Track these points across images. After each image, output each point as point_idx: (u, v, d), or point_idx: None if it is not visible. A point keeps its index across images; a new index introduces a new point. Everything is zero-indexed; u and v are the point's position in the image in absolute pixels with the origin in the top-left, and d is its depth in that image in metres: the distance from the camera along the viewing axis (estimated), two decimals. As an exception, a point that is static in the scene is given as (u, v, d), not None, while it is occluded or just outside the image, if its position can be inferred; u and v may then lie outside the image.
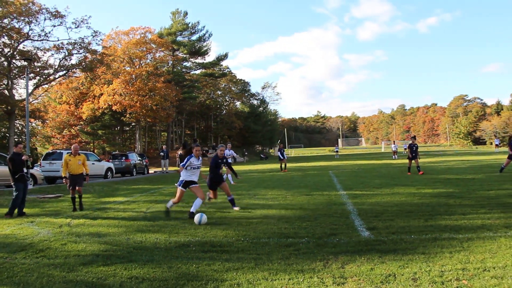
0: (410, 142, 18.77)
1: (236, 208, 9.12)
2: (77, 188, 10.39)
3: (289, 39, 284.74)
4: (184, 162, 8.27)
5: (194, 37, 55.09)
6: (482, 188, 11.39)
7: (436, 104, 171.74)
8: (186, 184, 8.34)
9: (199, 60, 57.81)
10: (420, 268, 4.45)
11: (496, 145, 61.12)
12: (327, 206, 9.26)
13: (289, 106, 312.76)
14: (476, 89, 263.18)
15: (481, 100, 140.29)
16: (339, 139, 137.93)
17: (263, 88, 71.92)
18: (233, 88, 68.77)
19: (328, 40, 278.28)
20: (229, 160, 13.24)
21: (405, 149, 55.47)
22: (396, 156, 42.14)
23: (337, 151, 61.04)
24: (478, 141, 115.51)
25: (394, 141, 51.57)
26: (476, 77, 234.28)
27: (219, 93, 68.29)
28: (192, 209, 8.16)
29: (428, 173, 17.96)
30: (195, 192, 8.31)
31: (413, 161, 18.22)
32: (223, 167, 10.10)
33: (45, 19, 30.17)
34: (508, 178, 13.98)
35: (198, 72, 59.77)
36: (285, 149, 27.42)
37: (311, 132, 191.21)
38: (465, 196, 9.95)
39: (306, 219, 7.72)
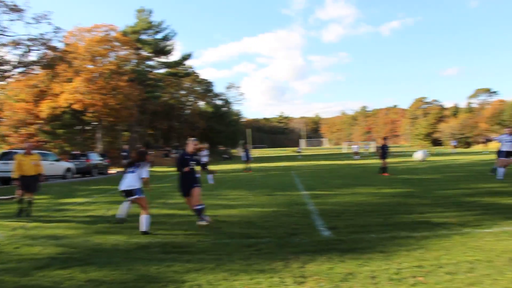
0: (381, 143, 19.05)
1: (201, 223, 7.34)
2: (28, 193, 9.51)
3: (253, 40, 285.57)
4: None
5: (158, 36, 54.33)
6: (440, 188, 11.86)
7: (397, 106, 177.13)
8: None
9: (163, 59, 57.06)
10: (379, 266, 4.60)
11: (454, 146, 63.69)
12: (288, 206, 9.38)
13: (252, 107, 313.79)
14: (435, 92, 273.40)
15: (440, 102, 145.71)
16: (302, 140, 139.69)
17: (227, 88, 71.84)
18: (197, 88, 68.35)
19: (292, 41, 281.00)
20: (204, 159, 13.13)
21: (378, 150, 56.82)
22: (358, 156, 43.12)
23: (299, 152, 61.80)
24: (437, 142, 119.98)
25: (355, 142, 52.70)
26: (435, 80, 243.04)
27: (183, 92, 67.68)
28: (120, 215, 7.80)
29: (389, 173, 18.50)
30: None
31: (382, 161, 18.30)
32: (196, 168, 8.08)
33: (1, 13, 28.89)
34: (463, 178, 14.62)
35: (162, 71, 59.02)
36: (250, 150, 27.52)
37: (275, 133, 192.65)
38: (423, 196, 10.34)
39: (268, 220, 7.80)
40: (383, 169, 18.02)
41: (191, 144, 7.67)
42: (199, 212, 7.39)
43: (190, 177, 7.47)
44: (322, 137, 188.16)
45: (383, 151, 18.26)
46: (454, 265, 4.50)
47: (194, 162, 7.54)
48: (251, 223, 7.47)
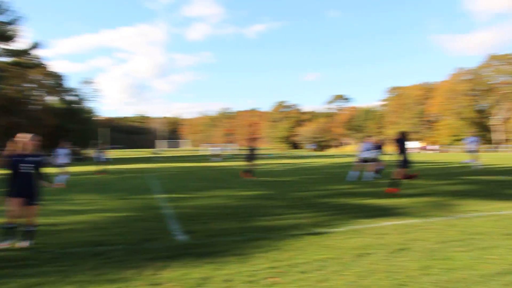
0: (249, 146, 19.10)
1: (21, 244, 6.04)
2: None
3: (112, 33, 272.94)
4: None
5: (1, 18, 48.42)
6: (296, 190, 12.73)
7: (258, 109, 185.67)
8: None
9: (5, 45, 51.00)
10: (234, 269, 4.75)
11: (311, 149, 69.14)
12: (143, 211, 9.17)
13: (110, 105, 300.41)
14: (295, 96, 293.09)
15: (299, 107, 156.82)
16: (161, 141, 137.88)
17: (81, 84, 67.35)
18: (46, 81, 62.54)
19: (155, 37, 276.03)
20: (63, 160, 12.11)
21: (248, 152, 58.32)
22: (218, 159, 44.04)
23: (158, 153, 60.85)
24: (296, 146, 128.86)
25: (216, 144, 53.84)
26: (296, 85, 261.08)
27: (29, 85, 61.32)
28: None
29: (255, 176, 19.26)
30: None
31: (248, 163, 18.44)
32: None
33: None
34: (318, 180, 15.93)
35: (5, 60, 52.69)
36: (105, 151, 26.17)
37: (133, 133, 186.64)
38: (280, 198, 11.00)
39: (120, 225, 7.53)
40: (248, 171, 18.42)
41: (24, 142, 6.20)
42: (31, 234, 6.14)
43: (25, 184, 6.10)
44: (182, 138, 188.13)
45: (251, 153, 18.69)
46: (307, 264, 4.86)
47: (30, 165, 6.14)
48: (101, 230, 7.12)
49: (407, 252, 5.25)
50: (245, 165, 18.98)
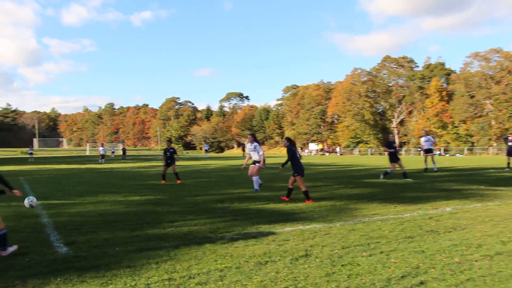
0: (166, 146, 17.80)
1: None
2: None
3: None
4: None
5: None
6: (191, 194, 12.67)
7: (147, 105, 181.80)
8: None
9: None
10: (125, 283, 4.58)
11: (206, 150, 69.28)
12: (15, 220, 8.53)
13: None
14: (188, 93, 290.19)
15: (193, 104, 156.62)
16: (34, 139, 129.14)
17: None
18: None
19: (23, 17, 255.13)
20: None
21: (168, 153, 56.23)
22: (103, 160, 42.40)
23: (31, 153, 56.86)
24: (189, 146, 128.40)
25: (102, 143, 51.82)
26: (188, 80, 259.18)
27: None
28: None
29: (137, 179, 18.80)
30: None
31: (169, 167, 17.38)
32: None
33: None
34: (214, 184, 16.02)
35: None
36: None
37: (0, 129, 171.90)
38: (174, 203, 10.87)
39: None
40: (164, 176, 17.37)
41: None
42: None
43: None
44: (60, 137, 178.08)
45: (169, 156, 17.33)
46: (205, 275, 4.85)
47: None
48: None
49: (310, 259, 5.46)
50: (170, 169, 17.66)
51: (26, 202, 6.96)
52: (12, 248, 5.91)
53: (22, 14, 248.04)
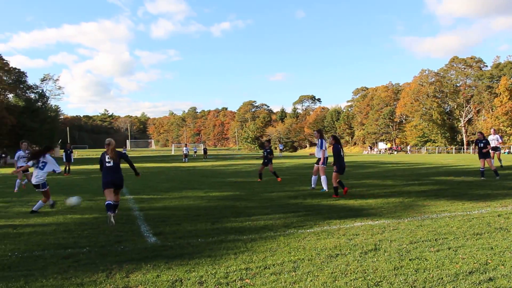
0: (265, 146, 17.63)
1: None
2: None
3: (75, 28, 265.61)
4: None
5: None
6: (266, 191, 12.81)
7: (226, 109, 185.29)
8: None
9: None
10: (206, 271, 4.76)
11: (280, 149, 69.50)
12: (109, 213, 9.04)
13: (73, 103, 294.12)
14: (263, 96, 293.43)
15: (268, 106, 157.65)
16: (127, 141, 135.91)
17: (42, 81, 65.03)
18: (5, 78, 60.31)
19: (119, 33, 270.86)
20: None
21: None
22: (186, 159, 43.79)
23: (125, 153, 60.00)
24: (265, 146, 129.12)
25: (185, 144, 53.59)
26: (264, 84, 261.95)
27: None
28: None
29: (217, 176, 19.27)
30: None
31: (266, 167, 16.92)
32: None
33: None
34: (288, 181, 16.07)
35: None
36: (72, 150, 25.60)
37: (97, 132, 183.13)
38: (250, 199, 11.05)
39: (88, 227, 7.43)
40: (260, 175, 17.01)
41: None
42: None
43: None
44: (149, 138, 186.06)
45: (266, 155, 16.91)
46: (279, 266, 4.92)
47: None
48: (68, 232, 7.00)
49: (379, 253, 5.37)
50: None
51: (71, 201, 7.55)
52: None
53: (118, 30, 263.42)
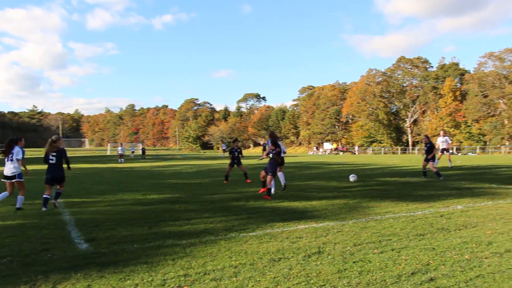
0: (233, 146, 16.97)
1: None
2: None
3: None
4: None
5: None
6: (207, 193, 12.72)
7: (167, 106, 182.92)
8: None
9: None
10: (142, 279, 4.62)
11: (223, 150, 69.42)
12: (38, 217, 8.67)
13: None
14: (206, 94, 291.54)
15: (211, 105, 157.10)
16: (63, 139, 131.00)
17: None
18: None
19: (50, 23, 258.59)
20: None
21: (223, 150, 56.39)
22: (123, 159, 42.76)
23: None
24: (207, 146, 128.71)
25: (121, 144, 52.32)
26: (206, 81, 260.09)
27: None
28: None
29: (155, 178, 18.94)
30: None
31: (233, 167, 16.77)
32: None
33: None
34: (231, 183, 16.04)
35: None
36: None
37: (24, 130, 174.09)
38: (191, 201, 10.93)
39: (11, 234, 7.03)
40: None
41: None
42: None
43: None
44: (83, 137, 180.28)
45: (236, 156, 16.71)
46: (220, 271, 4.87)
47: None
48: (-16, 240, 6.58)
49: (322, 256, 5.44)
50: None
51: None
52: None
53: (49, 19, 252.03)
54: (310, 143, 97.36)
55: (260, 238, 6.52)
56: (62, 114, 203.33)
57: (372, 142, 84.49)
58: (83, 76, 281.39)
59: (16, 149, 10.05)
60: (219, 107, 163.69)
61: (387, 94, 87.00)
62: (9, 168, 9.89)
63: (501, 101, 68.05)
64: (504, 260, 5.14)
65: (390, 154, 69.81)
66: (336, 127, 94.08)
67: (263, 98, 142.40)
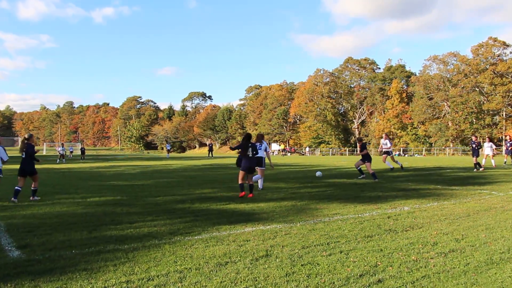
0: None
1: None
2: None
3: None
4: None
5: None
6: (151, 195, 12.51)
7: (108, 104, 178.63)
8: None
9: None
10: (81, 286, 4.47)
11: (168, 150, 68.56)
12: (-37, 223, 8.19)
13: None
14: (150, 92, 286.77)
15: (155, 103, 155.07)
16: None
17: None
18: None
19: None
20: None
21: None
22: (64, 160, 41.39)
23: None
24: (150, 146, 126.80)
25: (62, 143, 50.58)
26: (150, 79, 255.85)
27: None
28: None
29: (96, 179, 18.43)
30: None
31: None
32: None
33: None
34: (175, 184, 15.87)
35: None
36: None
37: None
38: (133, 204, 10.70)
39: None
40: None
41: None
42: None
43: None
44: (15, 136, 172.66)
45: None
46: (164, 276, 4.78)
47: None
48: None
49: (270, 259, 5.47)
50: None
51: None
52: None
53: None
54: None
55: (206, 241, 6.47)
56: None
57: (320, 143, 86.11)
58: (15, 69, 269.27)
59: None
60: (163, 105, 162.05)
61: (335, 95, 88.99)
62: None
63: (445, 104, 71.24)
64: (449, 260, 5.36)
65: (338, 156, 71.40)
66: (284, 127, 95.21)
67: (209, 97, 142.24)
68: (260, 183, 13.64)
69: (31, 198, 11.60)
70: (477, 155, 22.72)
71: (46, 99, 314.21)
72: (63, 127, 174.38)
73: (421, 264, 5.19)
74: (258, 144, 13.52)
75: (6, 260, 5.53)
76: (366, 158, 16.95)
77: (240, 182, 12.06)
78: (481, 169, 22.50)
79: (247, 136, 12.60)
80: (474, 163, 22.67)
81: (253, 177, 12.61)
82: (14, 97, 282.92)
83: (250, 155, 12.18)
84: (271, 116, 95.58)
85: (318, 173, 19.50)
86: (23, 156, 11.65)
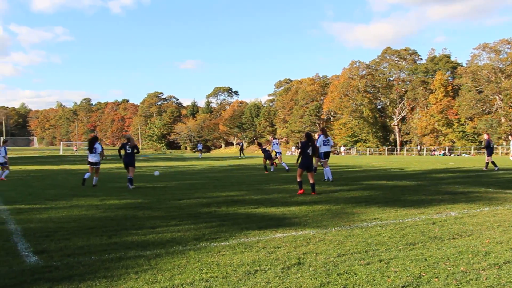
0: None
1: None
2: None
3: None
4: None
5: None
6: (174, 198, 12.64)
7: (127, 101, 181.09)
8: None
9: None
10: (101, 295, 4.56)
11: (200, 150, 69.05)
12: (-22, 227, 8.45)
13: None
14: (172, 87, 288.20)
15: (177, 99, 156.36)
16: (1, 137, 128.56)
17: None
18: None
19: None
20: None
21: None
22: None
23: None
24: (173, 145, 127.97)
25: (76, 143, 51.55)
26: (172, 74, 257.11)
27: None
28: None
29: (115, 181, 18.72)
30: None
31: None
32: None
33: None
34: (200, 186, 15.98)
35: None
36: None
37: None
38: (155, 207, 10.84)
39: None
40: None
41: None
42: None
43: None
44: (30, 135, 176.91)
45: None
46: (189, 285, 4.83)
47: None
48: None
49: (303, 267, 5.46)
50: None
51: None
52: None
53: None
54: (288, 143, 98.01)
55: (233, 248, 6.50)
56: (5, 108, 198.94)
57: (356, 141, 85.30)
58: (29, 65, 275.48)
59: None
60: (186, 102, 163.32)
61: (372, 89, 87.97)
62: None
63: (497, 97, 69.61)
64: (504, 272, 5.24)
65: (376, 155, 70.72)
66: (317, 125, 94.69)
67: (235, 92, 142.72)
68: (328, 174, 17.23)
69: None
70: None
71: (62, 96, 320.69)
72: (81, 125, 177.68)
73: (471, 276, 5.08)
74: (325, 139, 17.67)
75: (23, 266, 5.68)
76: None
77: (298, 179, 13.45)
78: None
79: (308, 135, 13.57)
80: None
81: (325, 170, 16.93)
82: (29, 94, 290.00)
83: (311, 154, 13.27)
84: (302, 113, 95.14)
85: (156, 173, 20.93)
86: (129, 151, 15.87)
